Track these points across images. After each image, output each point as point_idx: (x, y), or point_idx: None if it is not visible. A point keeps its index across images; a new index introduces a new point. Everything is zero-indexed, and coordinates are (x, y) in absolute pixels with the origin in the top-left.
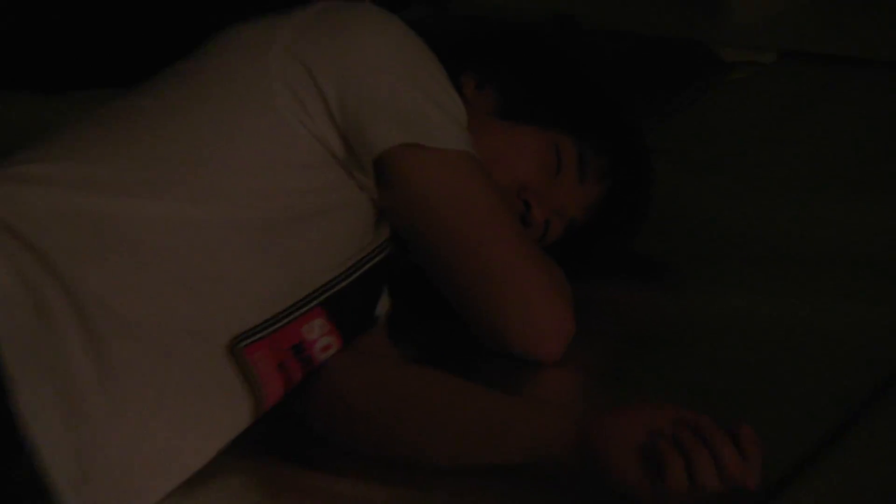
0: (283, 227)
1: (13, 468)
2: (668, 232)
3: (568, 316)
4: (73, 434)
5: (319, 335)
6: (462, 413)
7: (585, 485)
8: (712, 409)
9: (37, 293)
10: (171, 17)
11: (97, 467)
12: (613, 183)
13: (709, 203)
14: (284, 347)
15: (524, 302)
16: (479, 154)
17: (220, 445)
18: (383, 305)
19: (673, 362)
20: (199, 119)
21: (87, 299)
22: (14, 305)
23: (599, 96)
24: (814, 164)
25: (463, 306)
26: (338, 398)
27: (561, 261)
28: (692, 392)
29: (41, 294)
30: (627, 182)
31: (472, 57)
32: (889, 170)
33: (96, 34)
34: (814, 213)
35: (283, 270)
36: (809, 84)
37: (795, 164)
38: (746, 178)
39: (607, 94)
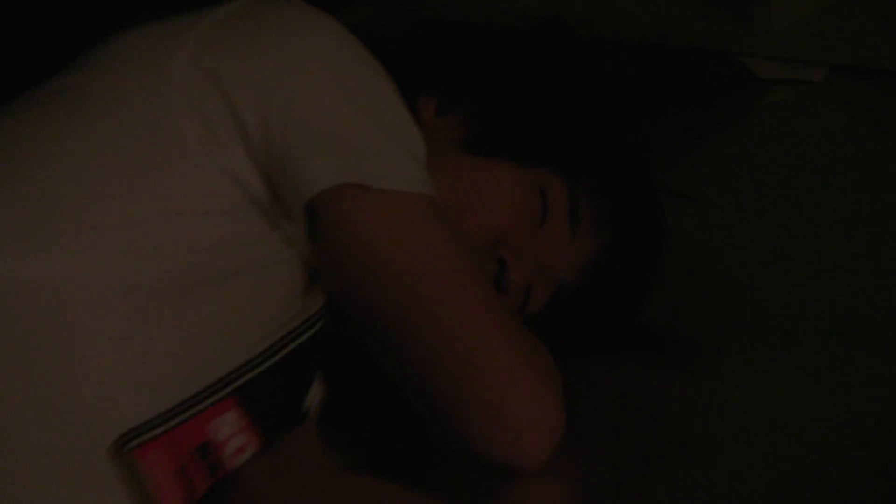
0: (183, 293)
1: None
2: (685, 295)
3: (554, 410)
4: None
5: (231, 433)
6: None
7: None
8: None
9: None
10: (45, 19)
11: None
12: (614, 235)
13: (735, 259)
14: (186, 448)
15: (496, 392)
16: (440, 198)
17: None
18: (315, 395)
19: (690, 471)
20: (75, 151)
21: None
22: None
23: (598, 124)
24: (868, 209)
25: (418, 397)
26: None
27: (547, 337)
28: None
29: None
30: (632, 234)
31: (433, 72)
32: None
33: None
34: (865, 279)
35: (185, 349)
36: (869, 108)
37: (844, 212)
38: (783, 229)
39: (608, 122)
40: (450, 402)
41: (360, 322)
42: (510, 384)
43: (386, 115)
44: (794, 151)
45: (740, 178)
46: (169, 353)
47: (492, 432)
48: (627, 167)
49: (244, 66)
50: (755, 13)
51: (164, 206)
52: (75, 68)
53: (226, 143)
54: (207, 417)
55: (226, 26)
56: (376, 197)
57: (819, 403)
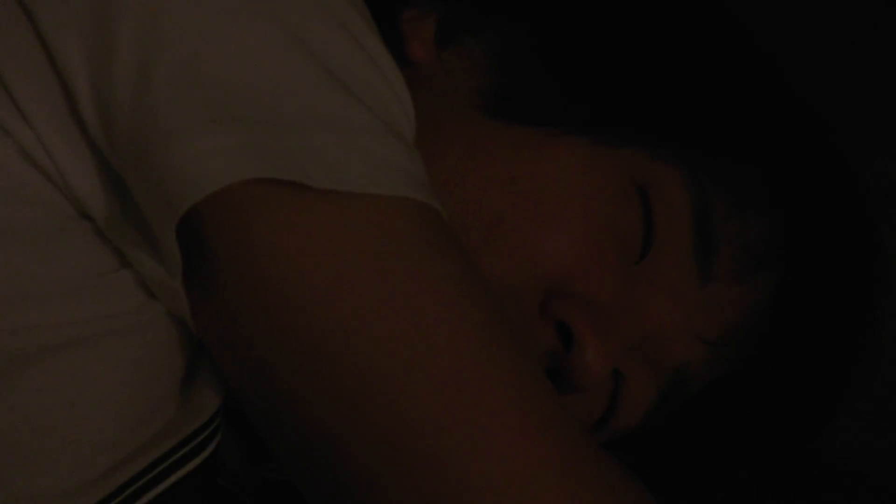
0: None
1: None
2: None
3: None
4: None
5: None
6: None
7: None
8: None
9: None
10: None
11: None
12: (787, 278)
13: None
14: None
15: None
16: (445, 206)
17: None
18: None
19: None
20: None
21: None
22: None
23: (752, 69)
24: None
25: None
26: None
27: (652, 473)
28: None
29: None
30: (824, 277)
31: None
32: None
33: None
34: None
35: None
36: None
37: None
38: None
39: (772, 68)
40: None
41: (280, 435)
42: None
43: (338, 49)
44: None
45: None
46: None
47: None
48: (811, 151)
49: None
50: None
51: None
52: None
53: (25, 104)
54: None
55: None
56: (317, 204)
57: None
